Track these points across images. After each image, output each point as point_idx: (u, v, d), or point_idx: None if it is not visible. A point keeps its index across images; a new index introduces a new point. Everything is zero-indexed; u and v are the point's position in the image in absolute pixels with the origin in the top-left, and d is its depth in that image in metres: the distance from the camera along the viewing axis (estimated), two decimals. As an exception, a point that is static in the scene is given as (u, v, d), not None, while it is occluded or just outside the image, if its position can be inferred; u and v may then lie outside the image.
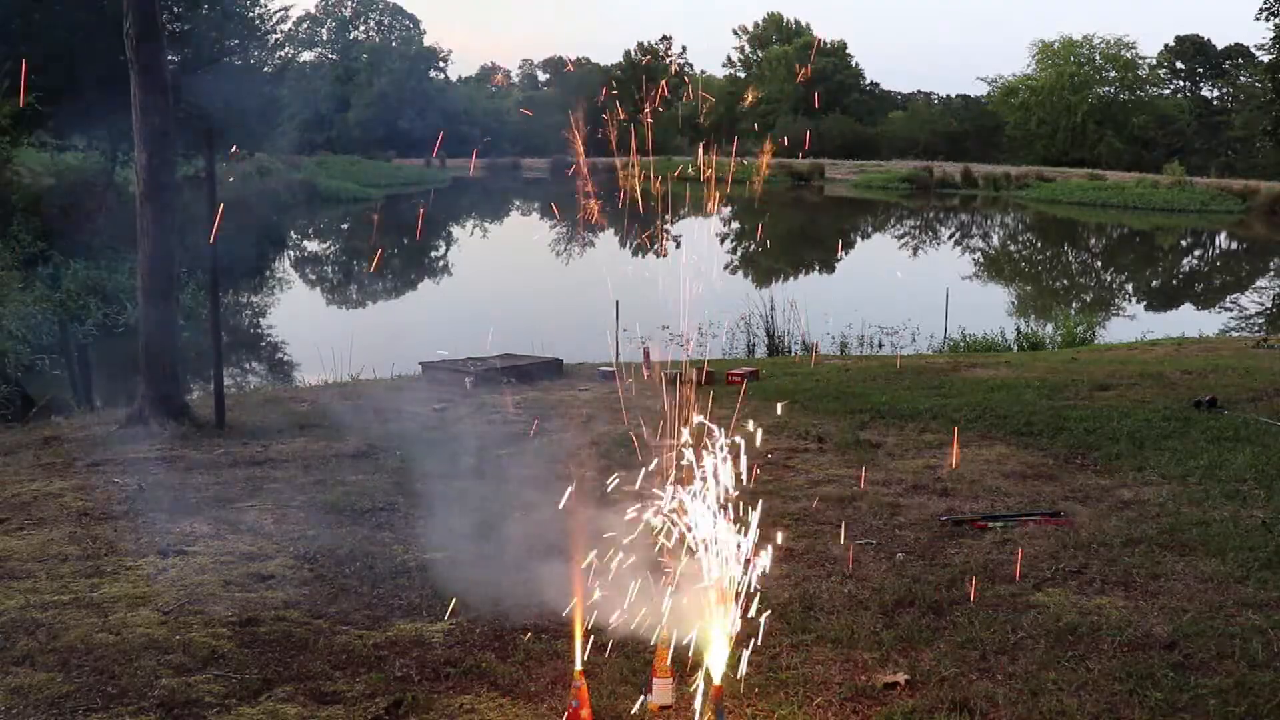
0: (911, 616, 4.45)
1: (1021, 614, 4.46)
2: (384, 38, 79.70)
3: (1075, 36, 68.98)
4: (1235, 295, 27.83)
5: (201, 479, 6.69)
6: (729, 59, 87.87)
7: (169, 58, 8.86)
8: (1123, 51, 68.53)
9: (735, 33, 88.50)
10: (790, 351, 14.74)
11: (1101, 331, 17.58)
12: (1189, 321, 21.06)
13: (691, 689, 3.44)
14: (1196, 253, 40.59)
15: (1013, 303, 24.38)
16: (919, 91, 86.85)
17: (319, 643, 4.19)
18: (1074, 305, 23.02)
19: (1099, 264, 35.64)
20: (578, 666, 3.49)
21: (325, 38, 78.81)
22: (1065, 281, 30.92)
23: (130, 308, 12.96)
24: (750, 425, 3.74)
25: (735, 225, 36.13)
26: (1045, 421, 8.22)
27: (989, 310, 20.18)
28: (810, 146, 60.70)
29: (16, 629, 4.25)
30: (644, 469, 3.69)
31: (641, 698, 3.70)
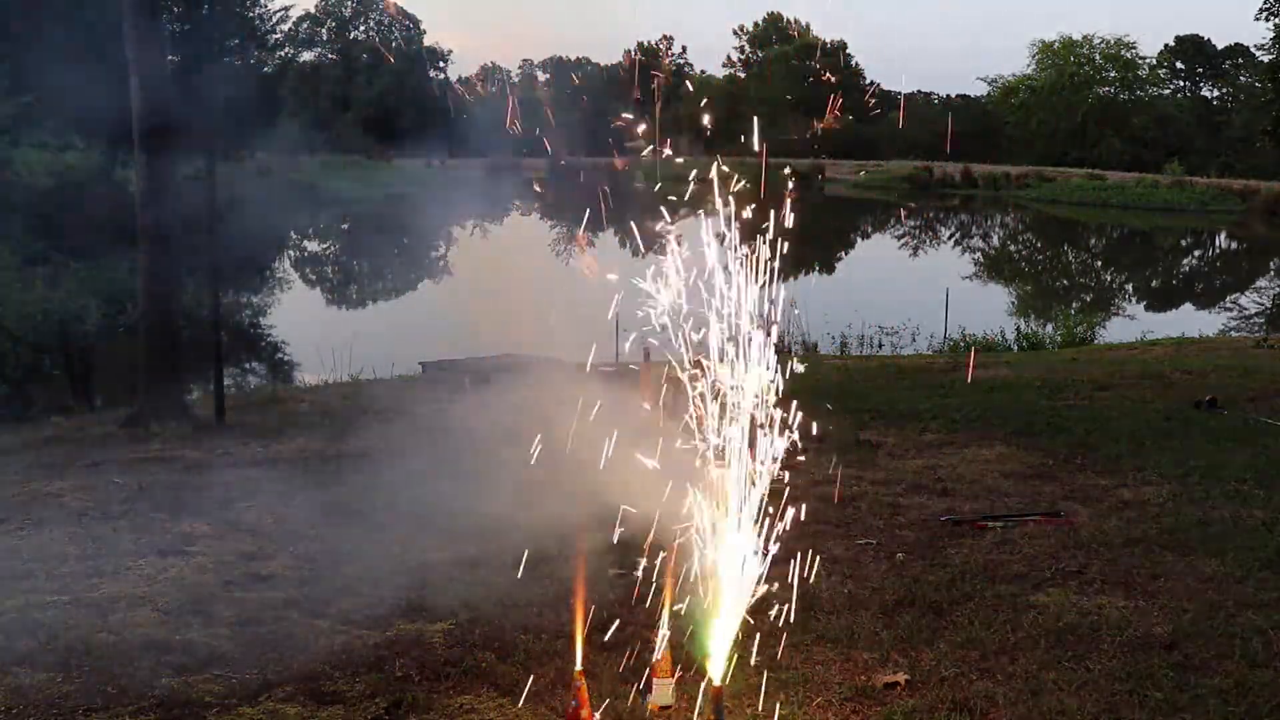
0: (911, 616, 4.45)
1: (1021, 614, 4.46)
2: (384, 38, 79.68)
3: (1075, 36, 69.01)
4: (1235, 295, 27.81)
5: (201, 479, 6.69)
6: (729, 59, 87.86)
7: (169, 58, 8.87)
8: (1123, 51, 68.48)
9: (735, 33, 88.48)
10: (791, 352, 14.74)
11: (1101, 331, 17.57)
12: (1189, 321, 21.05)
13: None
14: (1196, 253, 40.58)
15: (1013, 303, 24.37)
16: (919, 91, 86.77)
17: (319, 643, 4.19)
18: (1074, 305, 23.02)
19: (1099, 264, 35.63)
20: (578, 666, 3.49)
21: (325, 38, 78.80)
22: (1065, 281, 30.91)
23: (130, 308, 12.95)
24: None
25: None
26: (1045, 421, 8.22)
27: (989, 310, 20.18)
28: (809, 146, 60.58)
29: (16, 629, 4.25)
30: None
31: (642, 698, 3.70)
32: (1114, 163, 61.83)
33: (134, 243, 8.66)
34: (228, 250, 9.21)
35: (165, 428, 8.11)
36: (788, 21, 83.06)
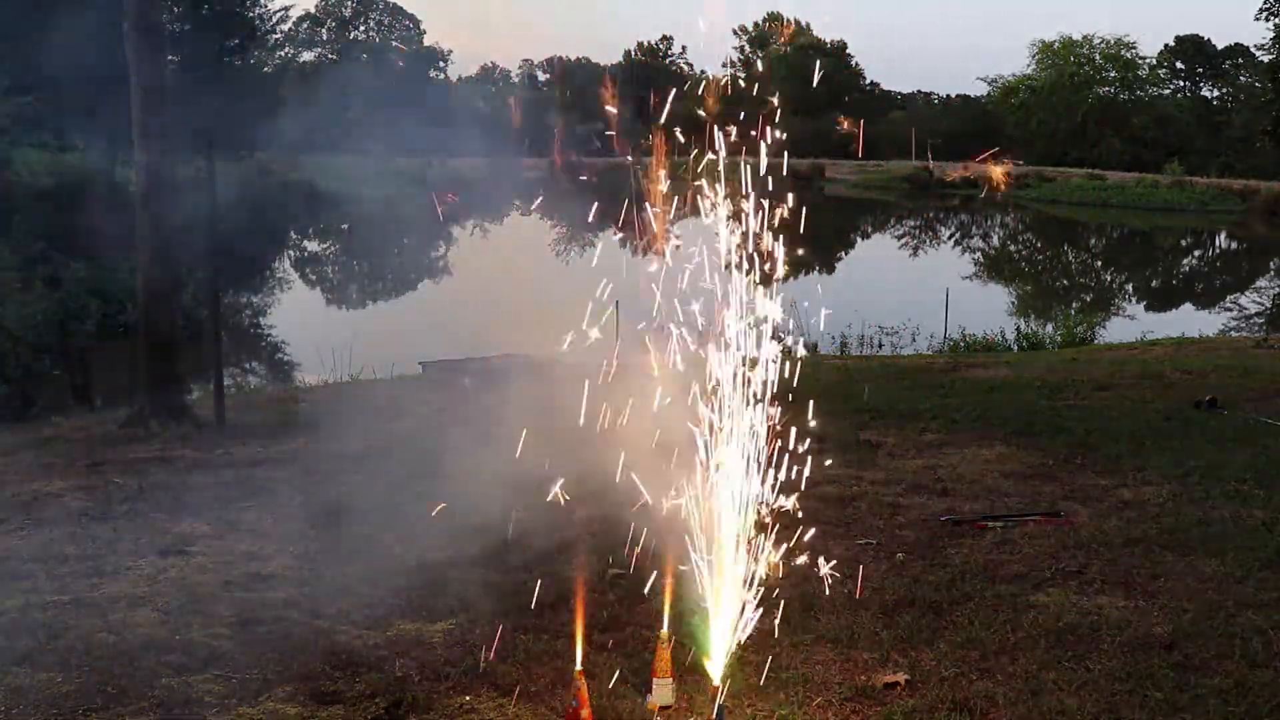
0: (911, 616, 4.45)
1: (1021, 614, 4.46)
2: (384, 38, 79.67)
3: (1075, 36, 69.02)
4: (1235, 295, 27.81)
5: (201, 479, 6.69)
6: (729, 59, 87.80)
7: (168, 58, 8.88)
8: (1123, 51, 68.49)
9: (735, 33, 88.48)
10: (791, 352, 14.72)
11: (1101, 331, 17.56)
12: (1189, 321, 21.05)
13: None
14: (1196, 253, 40.58)
15: (1013, 303, 24.37)
16: (919, 91, 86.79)
17: (319, 643, 4.19)
18: (1074, 305, 23.01)
19: (1099, 264, 35.64)
20: (578, 666, 3.49)
21: (325, 38, 78.78)
22: (1065, 281, 30.92)
23: (130, 308, 12.96)
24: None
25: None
26: (1045, 421, 8.22)
27: (989, 310, 20.17)
28: (810, 147, 60.54)
29: (16, 629, 4.25)
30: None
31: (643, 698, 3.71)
32: (1114, 163, 61.81)
33: (134, 242, 8.66)
34: (228, 250, 9.21)
35: (165, 428, 8.11)
36: (785, 23, 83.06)
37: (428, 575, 4.94)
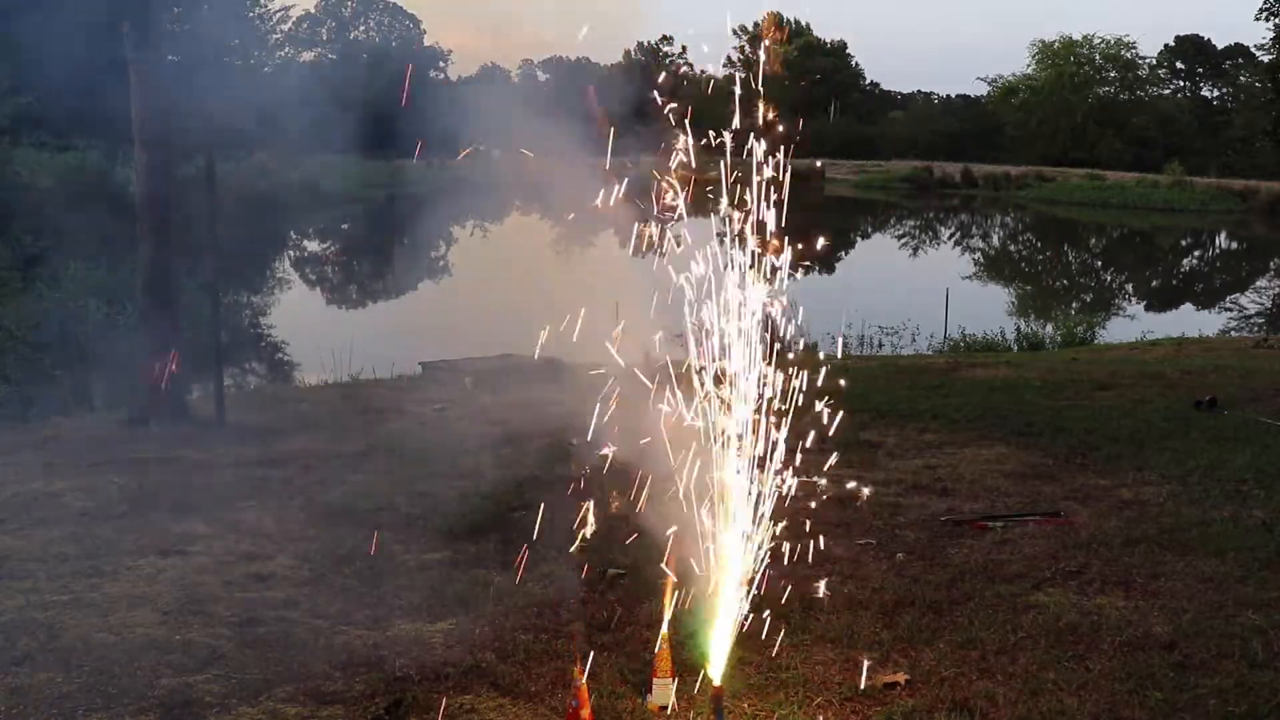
0: (911, 616, 4.45)
1: (1021, 614, 4.46)
2: (384, 38, 79.65)
3: (1075, 36, 69.03)
4: (1235, 295, 27.81)
5: (201, 479, 6.68)
6: (729, 59, 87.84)
7: (168, 57, 8.87)
8: (1123, 51, 68.50)
9: (735, 33, 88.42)
10: (791, 353, 14.70)
11: (1101, 331, 17.57)
12: (1189, 321, 21.06)
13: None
14: (1196, 253, 40.59)
15: (1013, 303, 24.36)
16: (919, 91, 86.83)
17: (319, 643, 4.19)
18: (1074, 305, 23.02)
19: (1099, 264, 35.64)
20: (578, 666, 3.49)
21: (325, 38, 78.69)
22: (1065, 281, 30.92)
23: (130, 307, 12.95)
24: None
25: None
26: (1045, 421, 8.22)
27: (989, 310, 20.17)
28: (810, 146, 60.53)
29: (16, 629, 4.25)
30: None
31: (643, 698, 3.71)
32: (1114, 163, 61.78)
33: (134, 242, 8.65)
34: (227, 250, 9.21)
35: (165, 428, 8.10)
36: (785, 22, 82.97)
37: (428, 575, 4.94)
